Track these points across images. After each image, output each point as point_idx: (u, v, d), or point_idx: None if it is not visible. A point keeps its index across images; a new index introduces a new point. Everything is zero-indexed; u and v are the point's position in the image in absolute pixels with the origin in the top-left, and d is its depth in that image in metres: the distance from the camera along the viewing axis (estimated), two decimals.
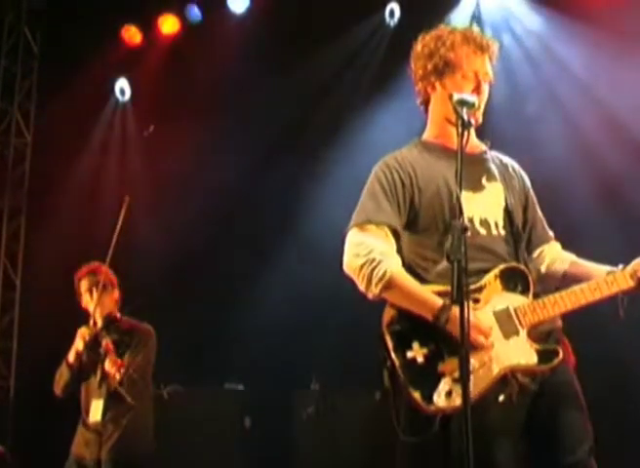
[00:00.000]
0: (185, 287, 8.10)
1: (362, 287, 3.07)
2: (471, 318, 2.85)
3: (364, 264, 3.04)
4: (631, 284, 2.97)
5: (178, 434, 7.08)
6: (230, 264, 8.07)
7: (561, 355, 2.95)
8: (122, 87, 9.13)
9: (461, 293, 2.61)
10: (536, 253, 3.28)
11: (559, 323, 3.15)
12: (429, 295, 3.00)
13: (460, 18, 7.71)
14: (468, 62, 3.17)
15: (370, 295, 3.07)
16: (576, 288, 3.00)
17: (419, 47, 3.30)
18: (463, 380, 2.56)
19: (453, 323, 2.87)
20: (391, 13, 8.07)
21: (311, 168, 8.09)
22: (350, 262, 3.10)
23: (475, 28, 3.33)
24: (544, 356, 2.96)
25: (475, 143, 3.29)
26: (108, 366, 5.21)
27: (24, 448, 7.55)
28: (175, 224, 8.08)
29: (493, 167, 3.27)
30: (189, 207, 8.15)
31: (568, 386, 3.06)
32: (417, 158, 3.24)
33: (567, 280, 3.17)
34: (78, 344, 5.30)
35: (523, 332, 2.98)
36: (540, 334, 3.02)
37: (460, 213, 2.70)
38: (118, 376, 5.20)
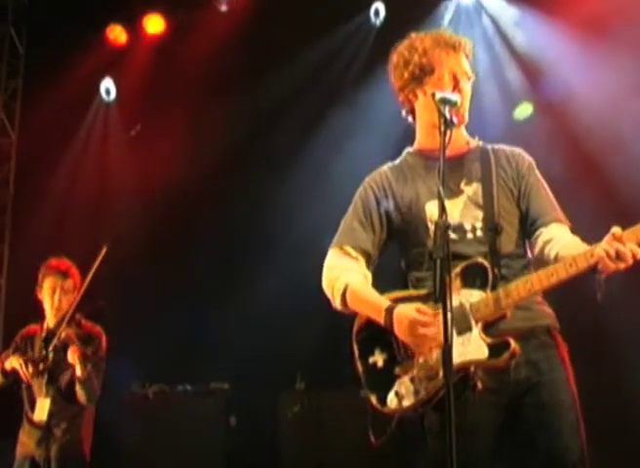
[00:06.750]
0: (171, 286, 8.08)
1: (332, 303, 3.25)
2: (411, 313, 2.94)
3: (329, 282, 3.26)
4: (591, 262, 2.72)
5: (163, 433, 7.08)
6: (216, 264, 8.06)
7: (512, 347, 2.83)
8: (107, 87, 9.13)
9: (444, 291, 2.62)
10: (532, 239, 3.13)
11: (546, 321, 3.10)
12: (377, 301, 3.10)
13: (443, 17, 7.74)
14: (443, 64, 3.20)
15: (338, 309, 3.23)
16: (541, 271, 2.86)
17: (394, 58, 3.35)
18: (446, 377, 2.56)
19: (396, 324, 2.98)
20: (376, 12, 8.08)
21: (298, 166, 8.08)
22: (323, 282, 3.32)
23: (445, 29, 3.36)
24: (495, 350, 2.87)
25: (462, 142, 3.29)
26: (71, 356, 5.12)
27: None
28: (159, 224, 8.07)
29: (476, 166, 3.24)
30: (175, 206, 8.14)
31: (557, 394, 2.99)
32: (397, 173, 3.33)
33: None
34: (14, 363, 5.29)
35: (476, 328, 2.91)
36: (507, 331, 2.92)
37: (443, 211, 2.73)
38: (80, 369, 5.09)
